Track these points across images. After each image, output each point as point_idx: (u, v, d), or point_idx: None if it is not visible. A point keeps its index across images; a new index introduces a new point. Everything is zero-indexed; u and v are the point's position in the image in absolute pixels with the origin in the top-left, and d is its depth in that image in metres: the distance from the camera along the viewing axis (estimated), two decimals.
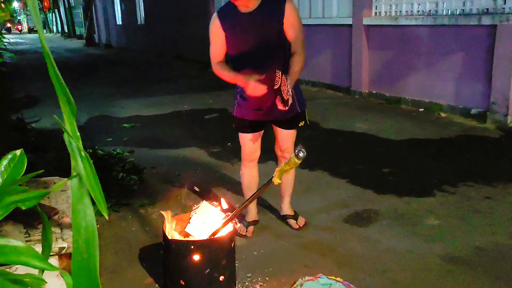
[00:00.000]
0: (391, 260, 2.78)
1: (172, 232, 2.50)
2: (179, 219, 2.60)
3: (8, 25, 49.02)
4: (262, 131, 3.04)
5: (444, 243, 2.94)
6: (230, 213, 2.49)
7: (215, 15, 2.77)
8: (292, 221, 3.22)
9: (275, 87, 2.53)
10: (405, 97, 6.96)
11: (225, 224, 2.42)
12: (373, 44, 7.50)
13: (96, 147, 4.92)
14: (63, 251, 1.96)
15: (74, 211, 0.73)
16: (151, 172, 4.39)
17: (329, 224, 3.27)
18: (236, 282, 2.56)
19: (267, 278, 2.62)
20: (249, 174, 3.13)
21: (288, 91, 2.48)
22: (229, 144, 5.15)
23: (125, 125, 6.34)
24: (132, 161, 4.48)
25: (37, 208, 0.98)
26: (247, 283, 2.58)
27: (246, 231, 3.12)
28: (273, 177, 2.20)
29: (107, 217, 0.70)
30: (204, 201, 2.69)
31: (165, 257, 2.48)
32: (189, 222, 2.56)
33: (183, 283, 2.39)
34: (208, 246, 2.37)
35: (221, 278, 2.42)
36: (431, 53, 6.49)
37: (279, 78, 2.49)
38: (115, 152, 4.83)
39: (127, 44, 21.00)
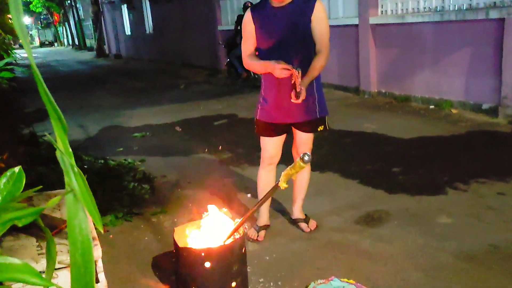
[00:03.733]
0: (404, 260, 2.75)
1: (183, 240, 2.51)
2: (190, 226, 2.61)
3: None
4: (284, 136, 3.05)
5: (457, 241, 2.90)
6: (239, 219, 2.49)
7: (248, 9, 2.90)
8: (303, 225, 3.22)
9: (291, 82, 2.58)
10: (414, 95, 6.92)
11: (234, 230, 2.43)
12: (380, 43, 7.47)
13: (108, 157, 4.98)
14: None
15: (70, 226, 0.74)
16: (162, 180, 4.41)
17: (341, 226, 3.26)
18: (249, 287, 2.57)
19: (279, 283, 2.61)
20: (266, 177, 3.12)
21: (300, 84, 2.53)
22: (240, 150, 5.16)
23: (136, 134, 6.38)
24: (143, 170, 4.52)
25: (39, 223, 0.99)
26: None
27: (258, 236, 3.12)
28: (279, 181, 2.20)
29: (102, 231, 0.71)
30: (214, 207, 2.70)
31: (176, 265, 2.50)
32: (200, 230, 2.57)
33: None
34: (218, 253, 2.37)
35: (233, 284, 2.42)
36: (439, 50, 6.44)
37: (295, 72, 2.54)
38: (126, 162, 4.87)
39: (136, 54, 21.18)
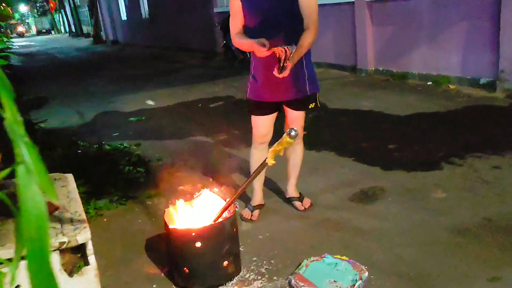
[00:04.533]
0: (398, 236, 2.74)
1: (173, 221, 2.49)
2: (181, 207, 2.59)
3: (20, 29, 49.20)
4: (275, 115, 3.01)
5: (451, 215, 2.89)
6: (229, 199, 2.48)
7: None
8: (297, 203, 3.20)
9: (278, 57, 2.56)
10: (412, 72, 6.86)
11: (224, 209, 2.41)
12: (376, 20, 7.37)
13: (103, 142, 4.95)
14: (64, 246, 1.96)
15: (22, 199, 0.71)
16: (157, 163, 4.39)
17: (335, 203, 3.24)
18: (242, 267, 2.56)
19: (272, 261, 2.60)
20: (258, 156, 3.08)
21: (286, 59, 2.52)
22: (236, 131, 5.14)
23: (132, 118, 6.35)
24: (138, 154, 4.50)
25: (9, 204, 0.96)
26: (252, 267, 2.57)
27: (252, 215, 3.11)
28: (266, 158, 2.18)
29: (56, 202, 0.69)
30: (205, 189, 2.68)
31: (168, 246, 2.49)
32: (191, 210, 2.56)
33: (187, 271, 2.39)
34: (209, 232, 2.36)
35: (225, 263, 2.41)
36: (436, 25, 6.36)
37: (276, 50, 2.51)
38: (122, 146, 4.85)
39: (133, 39, 20.99)
